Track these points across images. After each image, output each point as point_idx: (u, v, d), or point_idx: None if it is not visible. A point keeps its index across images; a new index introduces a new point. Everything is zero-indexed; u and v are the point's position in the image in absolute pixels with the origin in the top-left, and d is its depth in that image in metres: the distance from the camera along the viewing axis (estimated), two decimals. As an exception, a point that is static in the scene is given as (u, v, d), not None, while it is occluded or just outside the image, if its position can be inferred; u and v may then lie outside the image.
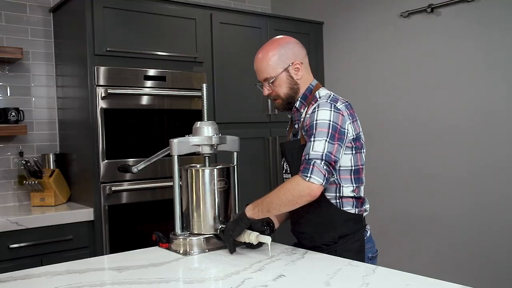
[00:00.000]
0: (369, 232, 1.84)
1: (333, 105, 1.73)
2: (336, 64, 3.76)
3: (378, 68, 3.49)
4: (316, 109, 1.72)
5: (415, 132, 3.26)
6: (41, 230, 2.58)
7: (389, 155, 3.41)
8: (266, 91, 1.88)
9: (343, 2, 3.71)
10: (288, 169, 1.85)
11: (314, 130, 1.68)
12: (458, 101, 3.03)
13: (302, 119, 1.83)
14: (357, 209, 1.79)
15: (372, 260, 1.80)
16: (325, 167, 1.62)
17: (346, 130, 1.72)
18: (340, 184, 1.77)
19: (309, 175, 1.60)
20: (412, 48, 3.26)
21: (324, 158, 1.62)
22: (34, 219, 2.58)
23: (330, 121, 1.68)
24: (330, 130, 1.67)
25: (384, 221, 3.38)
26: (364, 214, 1.83)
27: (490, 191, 2.88)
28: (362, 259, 1.75)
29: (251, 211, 1.72)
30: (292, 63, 1.82)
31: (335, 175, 1.73)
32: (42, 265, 1.73)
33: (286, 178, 1.88)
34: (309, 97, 1.85)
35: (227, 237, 1.74)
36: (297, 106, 1.86)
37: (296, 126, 1.88)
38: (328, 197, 1.77)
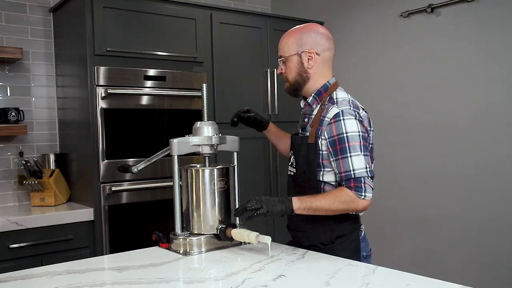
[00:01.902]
0: (363, 232, 1.85)
1: (357, 113, 1.73)
2: (336, 64, 3.75)
3: (378, 68, 3.49)
4: (341, 118, 1.70)
5: (415, 132, 3.26)
6: (41, 230, 2.58)
7: (388, 155, 3.40)
8: (279, 69, 1.92)
9: (343, 2, 3.71)
10: (294, 163, 1.86)
11: (347, 144, 1.68)
12: (458, 101, 3.03)
13: (313, 116, 1.83)
14: None
15: (367, 259, 1.82)
16: (371, 181, 1.70)
17: (370, 138, 1.78)
18: None
19: (363, 194, 1.67)
20: (412, 48, 3.26)
21: (369, 174, 1.68)
22: (34, 219, 2.58)
23: (359, 132, 1.70)
24: (362, 142, 1.69)
25: (384, 221, 3.38)
26: (360, 214, 1.84)
27: (490, 191, 2.88)
28: (358, 258, 1.76)
29: (297, 205, 1.66)
30: (307, 51, 1.81)
31: None
32: (42, 265, 1.73)
33: (291, 170, 1.89)
34: (324, 95, 1.83)
35: (266, 208, 1.61)
36: (309, 101, 1.86)
37: (306, 120, 1.87)
38: None
